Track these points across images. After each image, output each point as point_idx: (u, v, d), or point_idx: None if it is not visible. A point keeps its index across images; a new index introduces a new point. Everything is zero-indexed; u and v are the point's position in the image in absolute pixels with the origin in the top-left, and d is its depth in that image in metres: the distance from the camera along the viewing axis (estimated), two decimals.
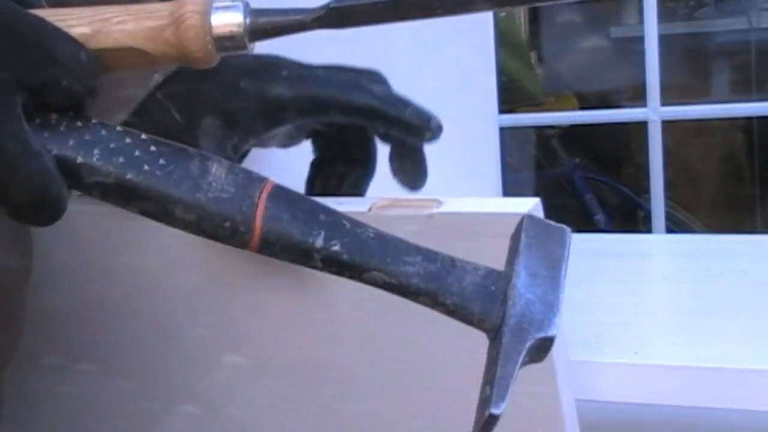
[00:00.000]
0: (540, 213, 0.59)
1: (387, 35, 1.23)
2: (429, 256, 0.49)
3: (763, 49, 3.28)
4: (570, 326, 0.89)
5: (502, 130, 1.75)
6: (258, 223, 0.48)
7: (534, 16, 3.55)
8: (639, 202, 3.22)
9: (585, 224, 3.15)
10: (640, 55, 2.15)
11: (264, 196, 0.48)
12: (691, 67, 3.33)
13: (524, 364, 0.47)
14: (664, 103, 2.17)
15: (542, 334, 0.47)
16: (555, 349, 0.55)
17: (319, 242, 0.48)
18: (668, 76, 2.29)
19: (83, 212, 0.72)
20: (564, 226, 0.50)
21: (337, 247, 0.48)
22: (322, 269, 0.49)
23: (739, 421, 0.83)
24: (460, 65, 1.49)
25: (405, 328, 0.63)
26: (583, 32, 3.48)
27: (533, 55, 3.56)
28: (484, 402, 0.46)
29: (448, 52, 1.43)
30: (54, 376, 0.76)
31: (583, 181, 3.32)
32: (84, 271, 0.72)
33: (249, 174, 0.49)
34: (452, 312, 0.48)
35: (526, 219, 0.50)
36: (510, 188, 2.10)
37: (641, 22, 2.16)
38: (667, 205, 2.29)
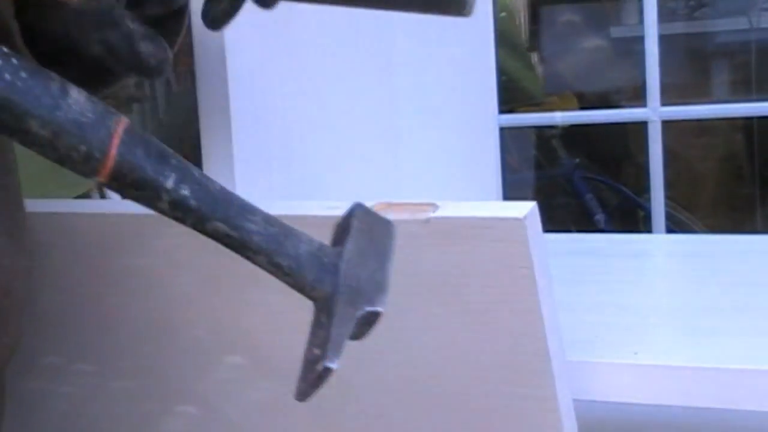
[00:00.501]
0: (537, 217, 0.59)
1: (387, 35, 1.23)
2: (269, 219, 0.50)
3: (763, 49, 3.27)
4: (570, 326, 0.89)
5: (502, 130, 1.74)
6: (113, 151, 0.47)
7: (534, 16, 3.55)
8: (639, 202, 3.22)
9: (585, 224, 3.15)
10: (640, 55, 2.15)
11: (121, 129, 0.48)
12: (691, 67, 3.33)
13: (349, 335, 0.49)
14: (664, 103, 2.16)
15: (371, 308, 0.49)
16: (552, 351, 0.55)
17: (169, 183, 0.48)
18: (668, 76, 2.29)
19: (83, 215, 0.72)
20: (390, 221, 0.52)
21: (186, 192, 0.48)
22: (166, 212, 0.48)
23: (739, 421, 0.83)
24: (460, 65, 1.49)
25: (405, 329, 0.63)
26: (583, 32, 3.47)
27: (533, 55, 3.56)
28: (315, 360, 0.48)
29: (448, 52, 1.43)
30: (53, 377, 0.76)
31: (583, 181, 3.32)
32: (83, 272, 0.72)
33: (107, 107, 0.49)
34: (287, 275, 0.49)
35: (357, 207, 0.52)
36: (510, 188, 2.10)
37: (641, 22, 2.16)
38: (667, 205, 2.29)
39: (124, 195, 0.48)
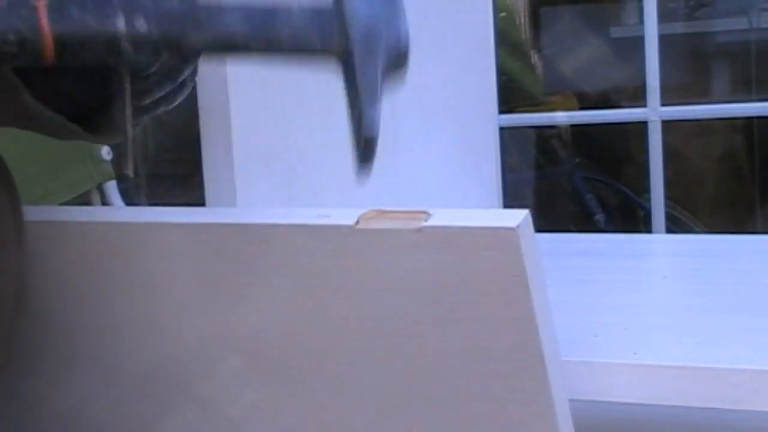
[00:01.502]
0: (530, 226, 0.59)
1: None
2: (248, 10, 0.46)
3: (763, 49, 3.27)
4: (570, 326, 0.89)
5: (502, 130, 1.74)
6: (44, 23, 0.43)
7: (534, 16, 3.55)
8: (639, 202, 3.22)
9: (585, 224, 3.15)
10: (640, 55, 2.15)
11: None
12: (691, 67, 3.33)
13: (384, 79, 0.47)
14: (664, 103, 2.16)
15: (393, 44, 0.47)
16: (546, 351, 0.55)
17: (120, 23, 0.43)
18: (668, 76, 2.29)
19: (82, 219, 0.72)
20: None
21: (142, 22, 0.43)
22: (136, 56, 0.44)
23: (739, 421, 0.83)
24: (460, 65, 1.49)
25: (404, 329, 0.63)
26: (583, 32, 3.47)
27: (533, 55, 3.56)
28: (358, 125, 0.46)
29: (448, 52, 1.43)
30: (54, 377, 0.76)
31: (583, 181, 3.32)
32: (84, 276, 0.72)
33: None
34: (292, 51, 0.46)
35: None
36: (510, 188, 2.10)
37: (641, 22, 2.16)
38: (667, 205, 2.29)
39: (84, 61, 0.44)
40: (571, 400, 0.81)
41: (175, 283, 0.69)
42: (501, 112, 1.78)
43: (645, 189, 2.48)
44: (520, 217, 0.58)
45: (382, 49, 0.46)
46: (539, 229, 0.59)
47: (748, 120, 3.28)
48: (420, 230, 0.59)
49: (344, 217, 0.60)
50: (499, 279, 0.58)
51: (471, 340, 0.62)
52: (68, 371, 0.76)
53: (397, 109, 1.25)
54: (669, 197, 2.34)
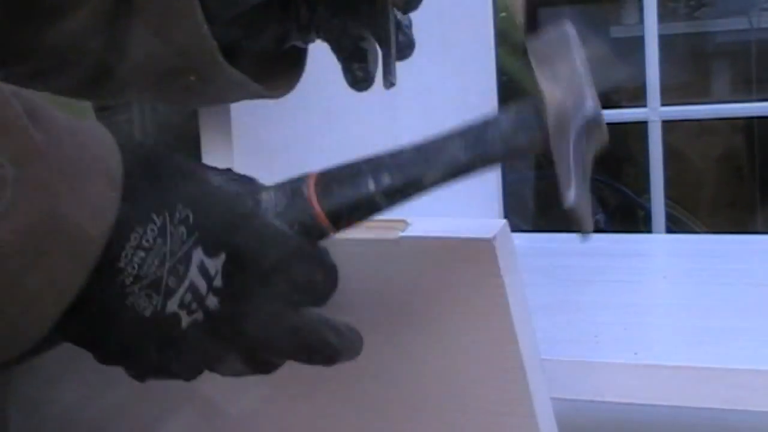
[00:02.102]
0: (508, 236, 0.59)
1: None
2: (463, 131, 0.53)
3: (763, 49, 3.28)
4: (570, 326, 0.90)
5: None
6: (317, 210, 0.52)
7: (534, 16, 3.55)
8: (639, 202, 3.22)
9: None
10: (640, 55, 2.15)
11: (311, 187, 0.52)
12: (691, 67, 3.33)
13: (588, 150, 0.53)
14: (664, 103, 2.17)
15: (582, 118, 0.51)
16: (524, 350, 0.55)
17: (371, 185, 0.51)
18: (668, 76, 2.29)
19: None
20: (562, 26, 0.54)
21: (388, 180, 0.51)
22: (391, 206, 0.52)
23: (739, 421, 0.83)
24: (460, 65, 1.49)
25: (404, 329, 0.63)
26: (583, 32, 3.48)
27: None
28: (562, 199, 0.49)
29: (448, 52, 1.43)
30: (54, 377, 0.76)
31: None
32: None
33: (291, 181, 0.53)
34: (507, 157, 0.52)
35: (529, 43, 0.54)
36: (510, 188, 2.10)
37: (641, 22, 2.17)
38: (667, 205, 2.29)
39: (356, 223, 0.53)
40: (571, 400, 0.81)
41: None
42: None
43: (645, 189, 2.48)
44: (497, 227, 0.58)
45: (571, 124, 0.50)
46: (539, 229, 0.59)
47: (749, 120, 3.28)
48: (398, 241, 0.59)
49: None
50: (477, 289, 0.59)
51: (450, 350, 0.62)
52: (68, 371, 0.76)
53: (397, 110, 1.25)
54: (669, 197, 2.34)
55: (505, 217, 1.68)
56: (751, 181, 3.40)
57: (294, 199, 0.52)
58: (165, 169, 0.50)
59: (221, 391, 0.72)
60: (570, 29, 0.53)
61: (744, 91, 3.35)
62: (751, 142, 3.34)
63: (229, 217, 0.50)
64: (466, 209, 1.55)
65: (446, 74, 1.42)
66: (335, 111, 1.12)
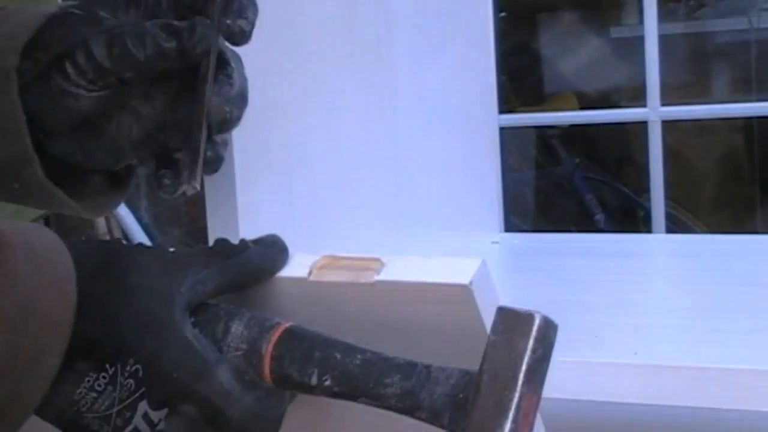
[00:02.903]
0: (486, 276, 0.58)
1: (388, 36, 1.23)
2: (407, 372, 0.55)
3: (763, 49, 3.27)
4: (570, 326, 0.89)
5: (502, 130, 1.74)
6: (266, 370, 0.56)
7: (534, 16, 3.55)
8: (639, 202, 3.22)
9: (585, 224, 3.15)
10: (640, 55, 2.15)
11: (270, 348, 0.56)
12: (691, 67, 3.33)
13: None
14: (664, 103, 2.16)
15: None
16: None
17: (314, 380, 0.55)
18: (668, 76, 2.29)
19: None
20: (533, 313, 0.52)
21: (328, 382, 0.55)
22: (330, 398, 0.56)
23: (739, 421, 0.83)
24: (460, 65, 1.49)
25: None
26: (583, 32, 3.48)
27: (533, 55, 3.56)
28: None
29: (448, 52, 1.43)
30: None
31: (583, 181, 3.32)
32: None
33: (261, 324, 0.57)
34: (426, 421, 0.54)
35: (497, 312, 0.52)
36: (510, 188, 2.10)
37: (641, 22, 2.16)
38: (667, 205, 2.29)
39: (293, 391, 0.57)
40: (571, 400, 0.81)
41: None
42: (501, 112, 1.79)
43: (645, 189, 2.48)
44: (474, 269, 0.57)
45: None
46: (539, 229, 0.59)
47: (748, 120, 3.28)
48: (373, 285, 0.58)
49: (298, 268, 0.60)
50: (455, 331, 0.58)
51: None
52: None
53: (398, 110, 1.26)
54: (669, 197, 2.34)
55: (505, 217, 1.68)
56: (751, 181, 3.40)
57: (253, 349, 0.56)
58: (122, 306, 0.54)
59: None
60: (538, 322, 0.52)
61: (744, 91, 3.35)
62: (751, 142, 3.34)
63: (177, 377, 0.54)
64: (466, 209, 1.55)
65: (446, 75, 1.42)
66: (335, 112, 1.13)
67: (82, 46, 0.59)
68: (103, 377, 0.53)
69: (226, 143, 0.67)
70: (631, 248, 1.30)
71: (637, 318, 0.94)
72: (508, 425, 0.50)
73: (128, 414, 0.54)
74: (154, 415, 0.54)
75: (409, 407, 0.54)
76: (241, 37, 0.62)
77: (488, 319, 0.56)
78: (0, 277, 0.49)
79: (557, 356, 0.78)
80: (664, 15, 2.30)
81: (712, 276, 1.09)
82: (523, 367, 0.51)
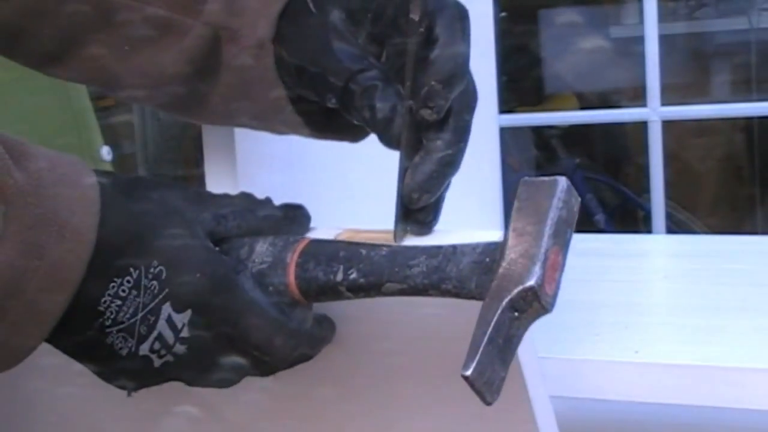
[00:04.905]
0: None
1: None
2: (433, 252, 0.54)
3: (763, 49, 3.28)
4: (571, 325, 0.90)
5: (502, 130, 1.75)
6: (291, 277, 0.57)
7: (533, 16, 3.55)
8: (639, 202, 3.22)
9: (585, 224, 3.15)
10: (640, 55, 2.15)
11: (294, 257, 0.57)
12: (691, 67, 3.33)
13: (520, 323, 0.50)
14: (664, 103, 2.17)
15: (519, 287, 0.49)
16: (522, 348, 0.55)
17: (339, 276, 0.55)
18: (668, 76, 2.29)
19: None
20: (556, 178, 0.52)
21: (354, 275, 0.55)
22: (351, 297, 0.56)
23: (739, 420, 0.83)
24: None
25: (404, 328, 0.63)
26: (583, 32, 3.48)
27: (533, 55, 3.56)
28: (462, 369, 0.49)
29: None
30: (54, 377, 0.76)
31: (583, 181, 3.32)
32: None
33: (285, 240, 0.58)
34: (455, 294, 0.53)
35: (521, 184, 0.53)
36: (510, 188, 2.09)
37: (641, 22, 2.17)
38: (667, 205, 2.29)
39: (321, 301, 0.58)
40: (572, 399, 0.81)
41: None
42: (501, 112, 1.79)
43: (645, 189, 2.48)
44: (495, 237, 0.57)
45: (508, 292, 0.50)
46: None
47: (748, 120, 3.28)
48: None
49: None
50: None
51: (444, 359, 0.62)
52: (68, 371, 0.76)
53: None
54: (669, 197, 2.34)
55: (505, 217, 1.68)
56: (751, 181, 3.40)
57: (277, 260, 0.57)
58: (146, 215, 0.54)
59: (221, 391, 0.72)
60: (562, 185, 0.52)
61: (744, 91, 3.35)
62: (751, 142, 3.34)
63: (200, 278, 0.54)
64: (466, 208, 1.55)
65: None
66: None
67: None
68: (128, 281, 0.52)
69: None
70: (631, 248, 1.30)
71: (637, 317, 0.94)
72: (536, 271, 0.49)
73: (152, 319, 0.53)
74: (178, 319, 0.53)
75: (435, 281, 0.53)
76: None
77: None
78: (22, 180, 0.48)
79: (557, 355, 0.79)
80: (664, 15, 2.30)
81: (712, 276, 1.09)
82: (549, 221, 0.50)
